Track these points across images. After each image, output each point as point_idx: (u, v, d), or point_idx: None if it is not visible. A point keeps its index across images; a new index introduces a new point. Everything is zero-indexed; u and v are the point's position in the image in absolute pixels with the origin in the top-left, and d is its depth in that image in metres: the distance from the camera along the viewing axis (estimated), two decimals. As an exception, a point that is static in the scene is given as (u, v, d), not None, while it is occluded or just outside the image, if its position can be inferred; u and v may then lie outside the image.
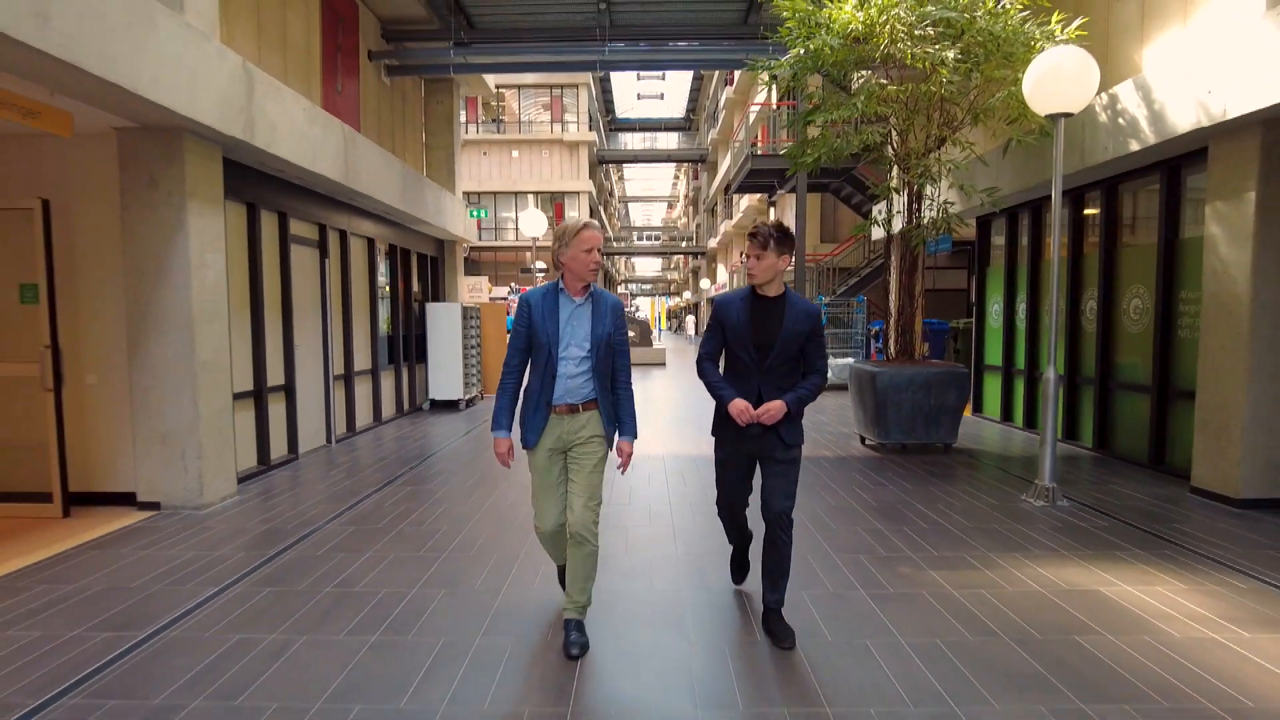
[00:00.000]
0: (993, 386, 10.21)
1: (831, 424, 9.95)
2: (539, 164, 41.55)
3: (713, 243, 43.23)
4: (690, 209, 59.25)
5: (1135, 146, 6.40)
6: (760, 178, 17.60)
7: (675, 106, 53.92)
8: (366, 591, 3.94)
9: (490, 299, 23.61)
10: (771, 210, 22.28)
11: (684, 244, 59.40)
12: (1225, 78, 5.33)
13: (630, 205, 79.02)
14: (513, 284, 36.33)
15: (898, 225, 8.27)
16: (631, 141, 54.85)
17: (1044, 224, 9.04)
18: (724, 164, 32.71)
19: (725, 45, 11.08)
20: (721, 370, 3.49)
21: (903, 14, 6.55)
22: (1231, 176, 5.70)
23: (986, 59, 6.99)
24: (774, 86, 12.91)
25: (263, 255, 6.96)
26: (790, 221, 18.25)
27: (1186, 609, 3.66)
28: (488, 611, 3.68)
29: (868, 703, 2.82)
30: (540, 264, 23.55)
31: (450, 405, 11.77)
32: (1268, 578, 4.06)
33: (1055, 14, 7.06)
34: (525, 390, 3.36)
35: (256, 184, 6.81)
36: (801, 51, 7.12)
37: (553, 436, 3.29)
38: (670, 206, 77.44)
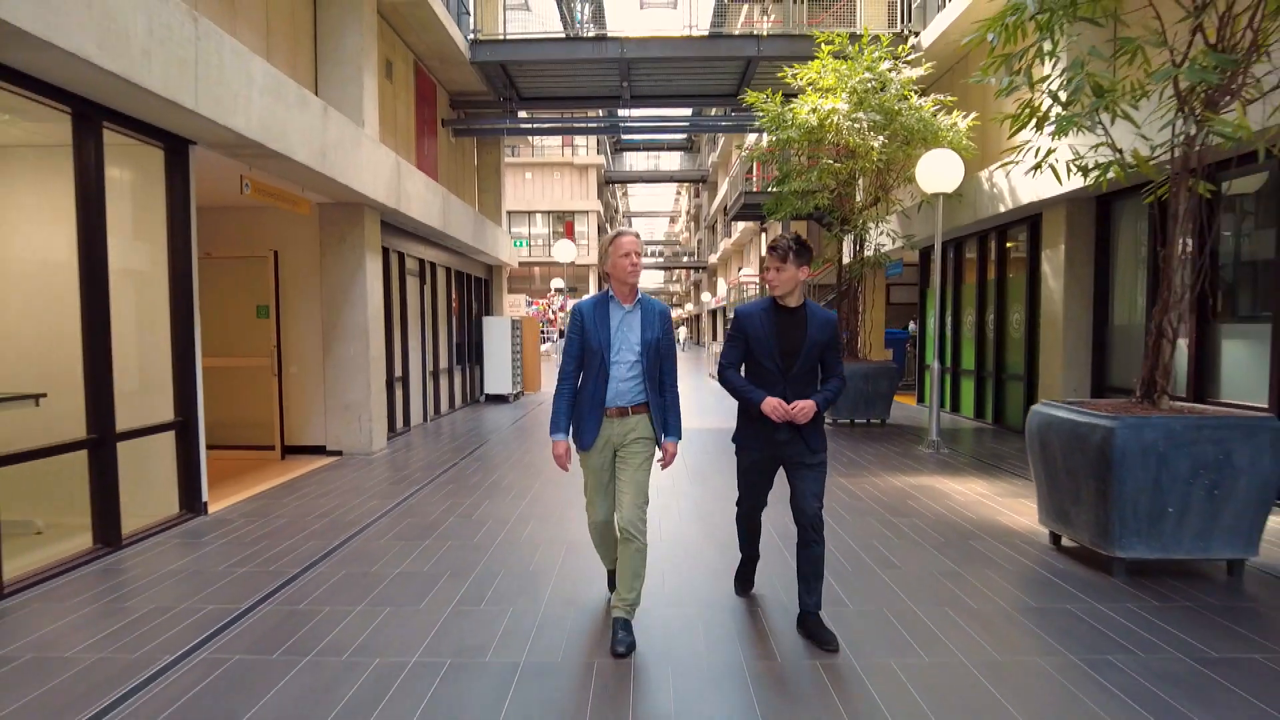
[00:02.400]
0: (928, 379, 13.06)
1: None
2: (550, 185, 44.42)
3: (713, 258, 46.14)
4: (692, 224, 62.30)
5: (1003, 209, 9.25)
6: (753, 209, 20.50)
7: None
8: (505, 483, 6.76)
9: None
10: (764, 234, 25.20)
11: (686, 259, 62.45)
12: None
13: (635, 220, 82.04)
14: (525, 296, 39.14)
15: (848, 258, 11.14)
16: (636, 161, 57.82)
17: (962, 257, 11.90)
18: (723, 185, 35.61)
19: (720, 117, 13.98)
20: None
21: (842, 117, 9.41)
22: (1052, 233, 8.57)
23: (907, 142, 9.85)
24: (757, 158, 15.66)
25: (393, 285, 9.84)
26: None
27: (978, 492, 6.48)
28: (571, 502, 6.50)
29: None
30: (558, 281, 26.38)
31: (501, 399, 14.61)
32: (1029, 477, 6.88)
33: (955, 112, 9.91)
34: (579, 395, 3.50)
35: (389, 235, 9.68)
36: (775, 140, 10.00)
37: (604, 437, 3.46)
38: (673, 221, 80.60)
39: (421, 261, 11.27)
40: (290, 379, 8.53)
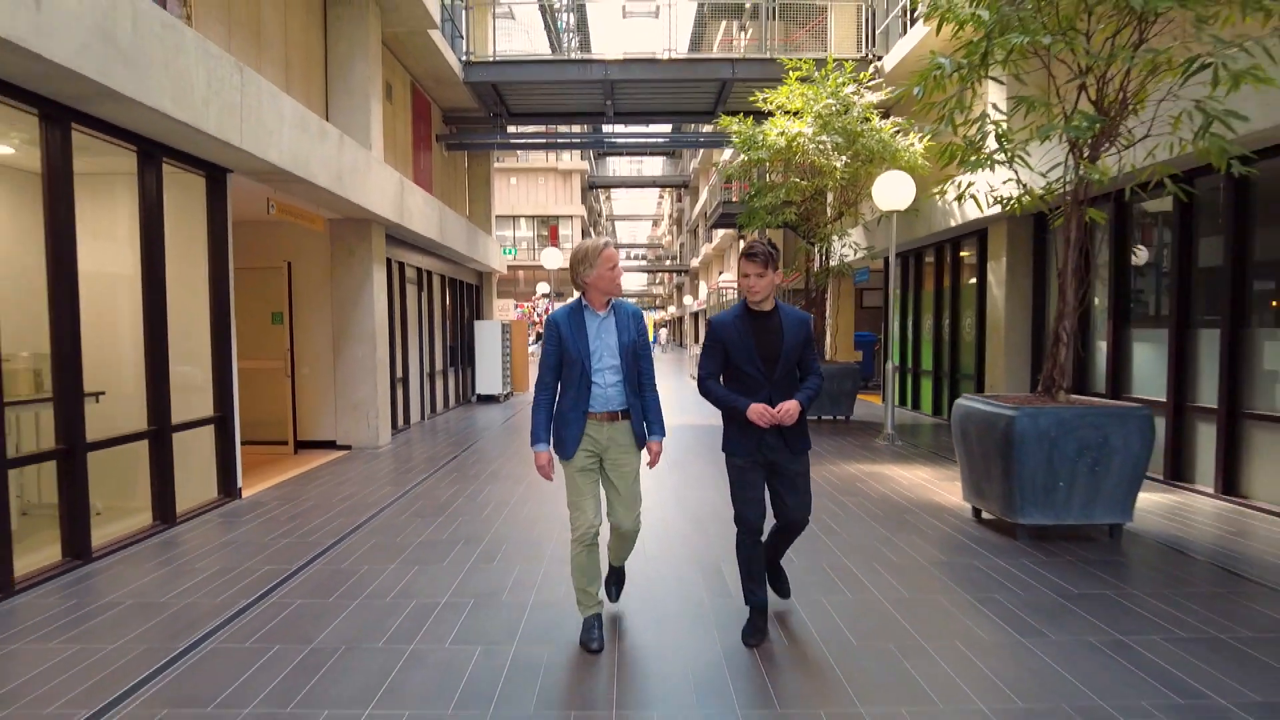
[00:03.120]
0: (894, 380, 14.01)
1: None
2: (535, 190, 45.18)
3: (695, 262, 47.08)
4: (674, 228, 63.27)
5: (953, 223, 10.19)
6: (731, 217, 21.42)
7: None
8: (503, 472, 7.58)
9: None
10: (742, 240, 26.16)
11: (668, 261, 63.39)
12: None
13: (618, 224, 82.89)
14: (513, 300, 39.85)
15: (816, 267, 12.07)
16: (620, 166, 58.68)
17: (923, 266, 12.86)
18: (704, 190, 36.57)
19: (698, 134, 14.86)
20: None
21: (807, 140, 10.31)
22: (996, 247, 9.52)
23: (869, 161, 10.76)
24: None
25: (394, 292, 10.62)
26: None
27: (921, 477, 7.38)
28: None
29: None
30: (544, 285, 27.17)
31: (491, 398, 15.41)
32: (975, 467, 7.79)
33: (914, 133, 10.84)
34: (560, 405, 3.48)
35: (391, 246, 10.47)
36: (746, 159, 10.90)
37: (590, 442, 3.45)
38: (655, 225, 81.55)
39: (419, 270, 12.07)
40: (303, 380, 9.30)
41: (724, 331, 3.48)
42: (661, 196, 70.86)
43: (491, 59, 13.42)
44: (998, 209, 7.98)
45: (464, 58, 13.03)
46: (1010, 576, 4.46)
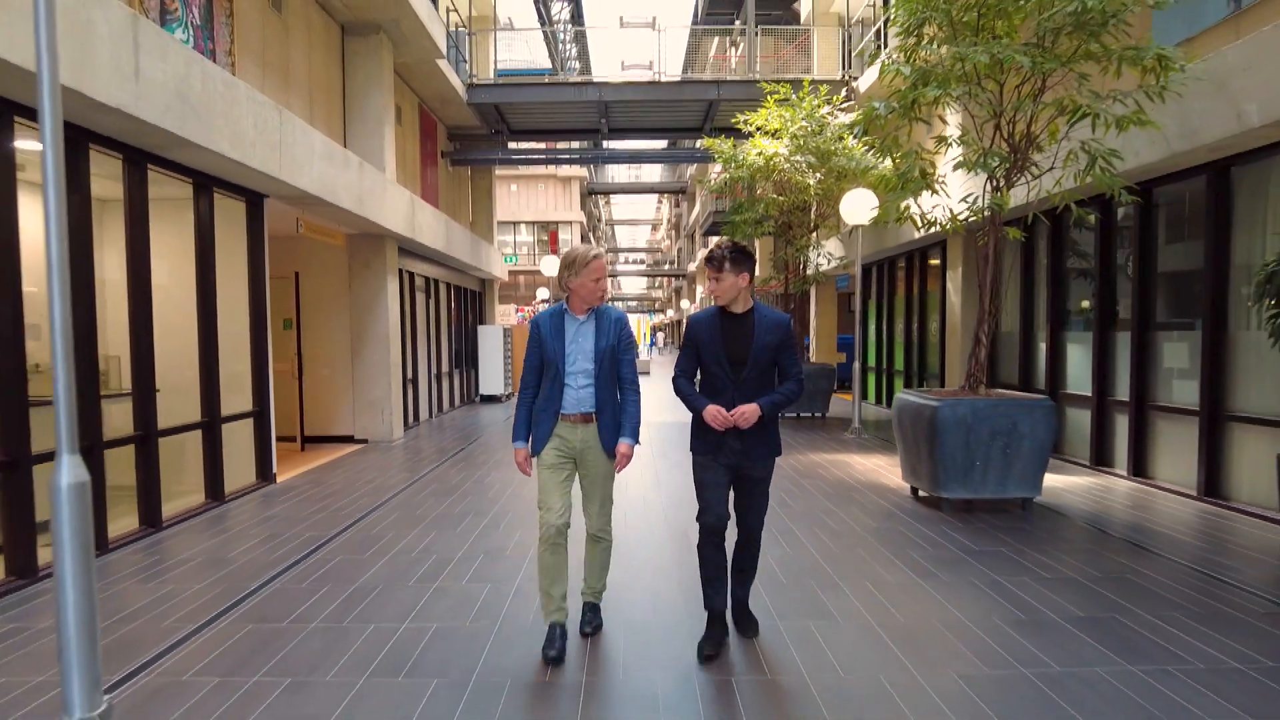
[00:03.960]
0: (870, 380, 14.97)
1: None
2: (535, 196, 46.12)
3: (692, 266, 48.03)
4: (673, 232, 64.32)
5: (917, 235, 11.13)
6: (722, 226, 22.41)
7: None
8: (506, 461, 8.51)
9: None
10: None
11: (667, 266, 64.40)
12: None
13: (617, 228, 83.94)
14: (514, 305, 40.79)
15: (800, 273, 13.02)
16: (618, 173, 59.72)
17: (895, 273, 13.80)
18: (700, 196, 37.56)
19: (688, 149, 15.83)
20: (697, 387, 3.54)
21: (783, 160, 11.27)
22: (954, 257, 10.47)
23: (841, 177, 11.71)
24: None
25: (405, 300, 11.58)
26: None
27: (876, 464, 8.31)
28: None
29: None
30: (543, 291, 28.14)
31: (494, 398, 16.35)
32: (927, 456, 8.73)
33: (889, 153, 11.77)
34: (537, 403, 3.59)
35: (402, 257, 11.42)
36: (728, 177, 11.86)
37: (561, 441, 3.54)
38: (654, 229, 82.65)
39: (428, 279, 13.03)
40: (324, 380, 10.25)
41: (697, 330, 3.51)
42: (660, 201, 71.95)
43: (493, 81, 14.40)
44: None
45: (467, 80, 14.00)
46: (926, 538, 5.40)
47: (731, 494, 3.54)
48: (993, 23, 6.00)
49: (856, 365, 10.63)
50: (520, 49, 36.03)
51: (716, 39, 26.53)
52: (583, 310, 3.55)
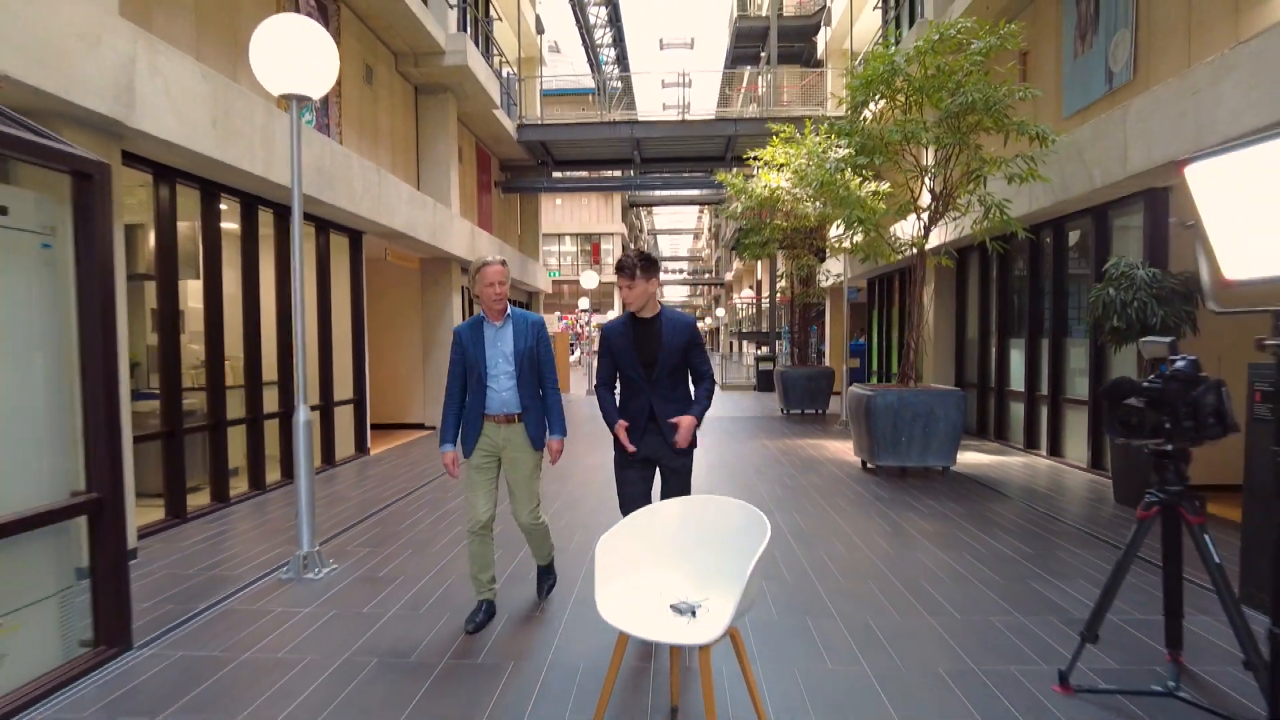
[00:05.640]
0: (872, 381, 16.72)
1: (768, 400, 16.51)
2: (578, 209, 48.46)
3: (729, 275, 49.89)
4: (713, 241, 66.15)
5: (897, 258, 12.91)
6: (734, 247, 24.33)
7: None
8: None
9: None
10: (759, 264, 29.03)
11: (707, 275, 66.27)
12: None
13: (659, 237, 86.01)
14: (558, 313, 43.09)
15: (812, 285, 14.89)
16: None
17: (893, 287, 15.55)
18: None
19: (710, 183, 17.83)
20: (618, 390, 3.74)
21: (785, 194, 13.17)
22: (930, 275, 12.25)
23: (839, 205, 13.53)
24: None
25: (465, 312, 13.78)
26: (766, 274, 24.88)
27: (846, 447, 10.13)
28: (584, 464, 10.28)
29: (723, 466, 9.33)
30: (584, 301, 30.27)
31: (538, 397, 18.49)
32: (894, 442, 10.55)
33: (874, 182, 13.59)
34: (465, 409, 3.81)
35: (463, 275, 13.62)
36: (738, 208, 13.83)
37: (487, 440, 3.78)
38: (696, 238, 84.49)
39: (482, 293, 15.24)
40: (400, 378, 12.47)
41: (611, 339, 3.68)
42: (701, 212, 73.79)
43: (539, 122, 16.58)
44: (933, 242, 10.79)
45: (517, 120, 16.20)
46: (853, 490, 7.28)
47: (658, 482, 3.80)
48: (920, 103, 7.87)
49: (845, 367, 12.45)
50: (564, 67, 38.40)
51: (748, 68, 28.48)
52: (497, 315, 3.78)
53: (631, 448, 3.62)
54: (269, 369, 7.68)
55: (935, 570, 4.80)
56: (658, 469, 3.72)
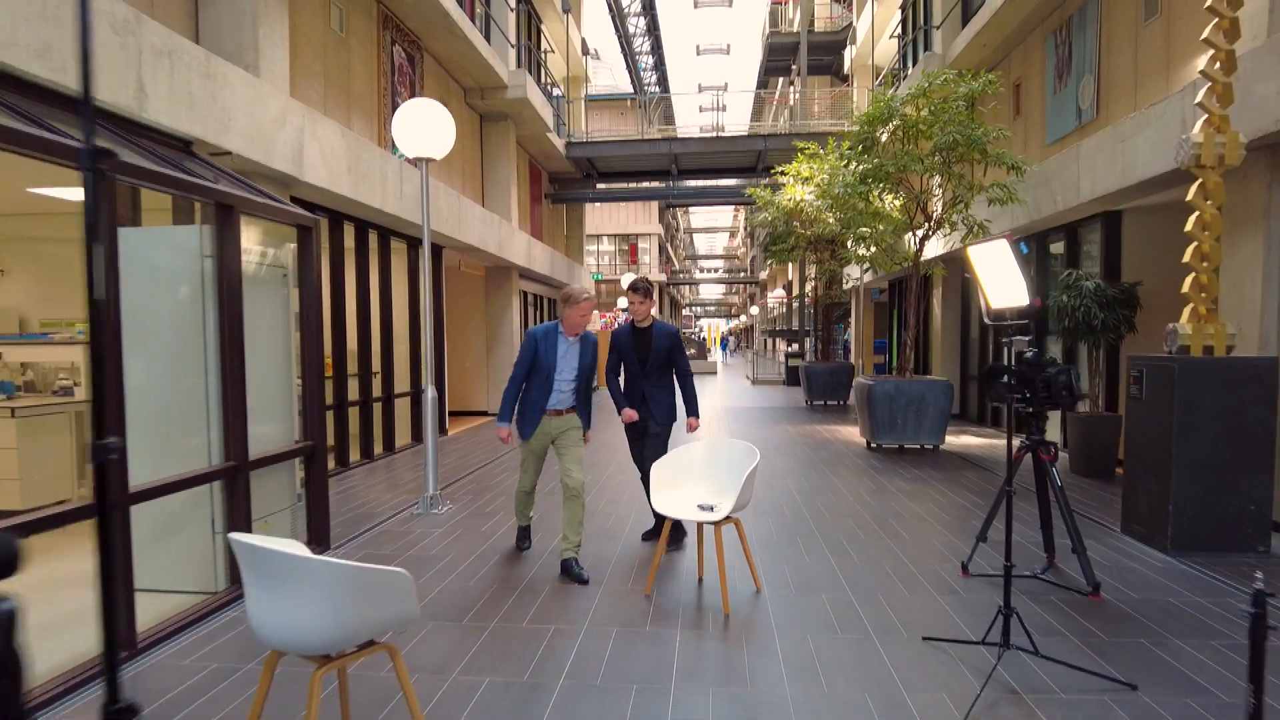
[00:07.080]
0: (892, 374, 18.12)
1: (795, 394, 17.96)
2: (617, 211, 50.07)
3: (763, 274, 51.14)
4: (748, 239, 67.34)
5: (896, 269, 14.29)
6: (763, 254, 25.72)
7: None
8: (597, 424, 12.21)
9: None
10: (788, 265, 30.34)
11: (742, 274, 67.52)
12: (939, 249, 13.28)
13: (695, 235, 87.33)
14: (596, 312, 44.72)
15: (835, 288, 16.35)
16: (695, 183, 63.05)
17: (908, 291, 16.89)
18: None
19: (740, 187, 19.31)
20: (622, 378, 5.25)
21: (809, 206, 14.64)
22: (938, 281, 13.64)
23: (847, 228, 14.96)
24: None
25: (522, 311, 15.50)
26: (795, 275, 26.24)
27: (854, 432, 11.60)
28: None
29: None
30: (623, 301, 31.87)
31: (583, 390, 20.19)
32: (901, 428, 11.98)
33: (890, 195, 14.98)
34: (525, 398, 4.71)
35: (519, 280, 15.34)
36: (767, 217, 15.34)
37: (544, 429, 4.70)
38: (732, 235, 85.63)
39: (536, 296, 16.96)
40: (466, 370, 14.22)
41: (619, 340, 5.17)
42: (736, 211, 74.89)
43: (585, 139, 18.24)
44: (939, 251, 12.22)
45: (565, 138, 17.87)
46: (853, 462, 8.78)
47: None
48: (915, 137, 9.32)
49: (858, 361, 13.89)
50: (604, 76, 40.21)
51: (780, 79, 29.83)
52: (572, 334, 4.67)
53: (635, 416, 5.10)
54: (375, 360, 9.42)
55: (901, 513, 6.32)
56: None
